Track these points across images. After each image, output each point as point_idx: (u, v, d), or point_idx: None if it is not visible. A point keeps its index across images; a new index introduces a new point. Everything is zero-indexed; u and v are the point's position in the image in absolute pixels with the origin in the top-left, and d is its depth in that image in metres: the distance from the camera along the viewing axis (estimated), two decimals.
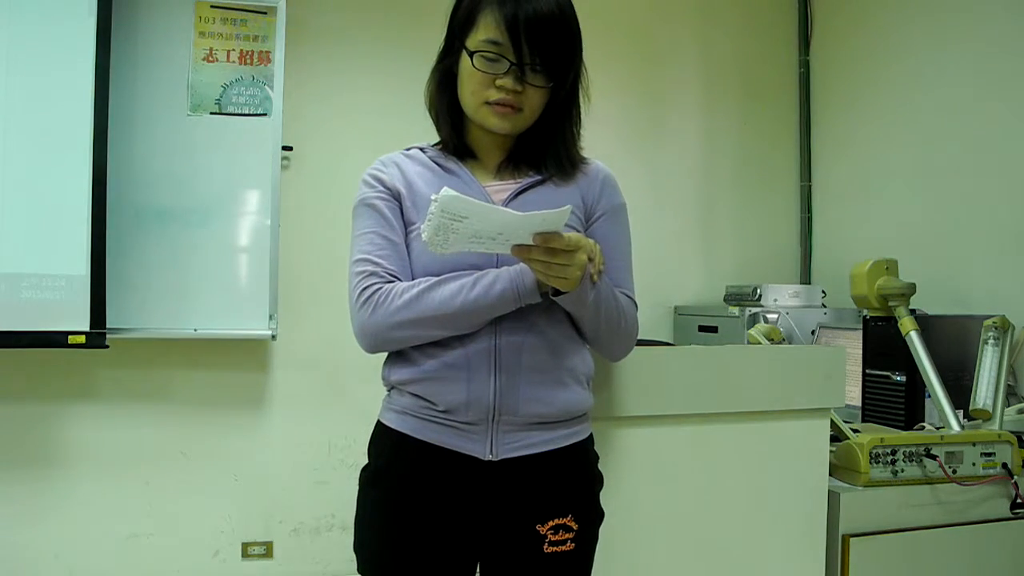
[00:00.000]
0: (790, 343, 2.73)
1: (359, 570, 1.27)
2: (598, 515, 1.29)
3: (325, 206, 2.83)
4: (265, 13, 2.71)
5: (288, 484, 2.85)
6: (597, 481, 1.31)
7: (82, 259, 2.40)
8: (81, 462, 2.67)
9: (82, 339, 2.39)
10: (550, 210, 1.06)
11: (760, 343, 2.09)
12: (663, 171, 3.37)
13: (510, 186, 1.27)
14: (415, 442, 1.21)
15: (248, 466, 2.83)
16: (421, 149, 1.33)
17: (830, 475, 1.72)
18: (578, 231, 1.25)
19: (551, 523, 1.21)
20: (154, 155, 2.62)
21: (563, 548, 1.22)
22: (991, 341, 2.06)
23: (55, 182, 2.40)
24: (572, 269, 1.10)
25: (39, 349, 2.49)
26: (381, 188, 1.27)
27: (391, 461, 1.24)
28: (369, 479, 1.27)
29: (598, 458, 1.32)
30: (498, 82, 1.20)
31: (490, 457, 1.19)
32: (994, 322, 2.07)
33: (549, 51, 1.19)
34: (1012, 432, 1.92)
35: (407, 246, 1.25)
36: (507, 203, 1.24)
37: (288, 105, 2.75)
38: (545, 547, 1.21)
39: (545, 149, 1.28)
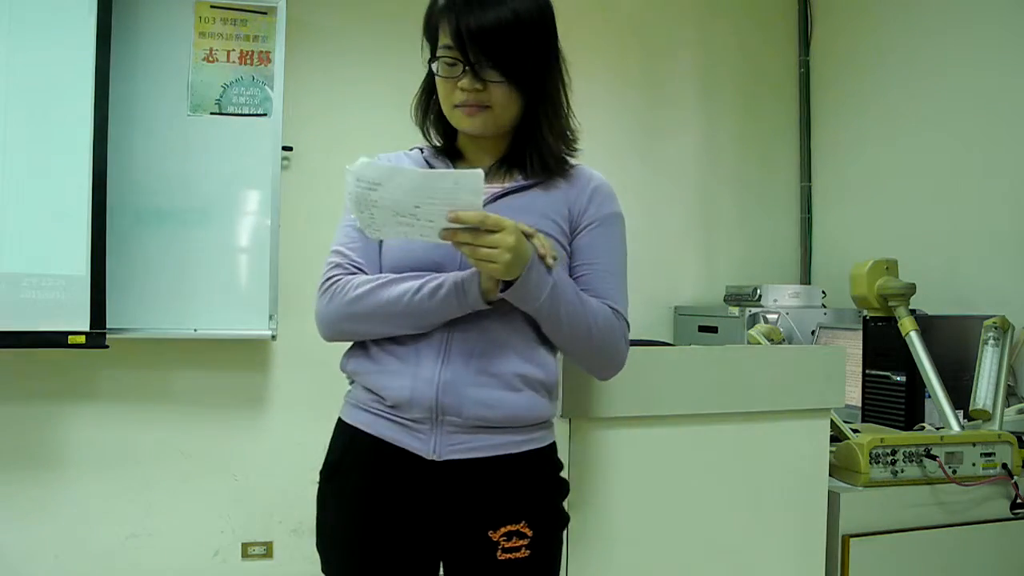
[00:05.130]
0: (790, 343, 2.73)
1: (323, 570, 1.27)
2: (559, 521, 1.27)
3: (325, 206, 2.82)
4: (265, 13, 2.71)
5: (288, 484, 2.84)
6: (558, 489, 1.28)
7: (82, 259, 2.40)
8: (81, 462, 2.67)
9: (82, 339, 2.39)
10: (461, 170, 1.06)
11: (760, 343, 2.09)
12: (663, 171, 3.37)
13: (493, 190, 1.26)
14: (366, 437, 1.22)
15: (248, 466, 2.83)
16: (421, 150, 1.35)
17: (830, 475, 1.72)
18: (559, 241, 1.23)
19: (503, 530, 1.19)
20: (154, 155, 2.62)
21: (518, 555, 1.20)
22: (991, 341, 2.06)
23: (55, 182, 2.40)
24: (500, 252, 1.07)
25: (39, 349, 2.49)
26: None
27: (344, 456, 1.26)
28: (325, 475, 1.28)
29: (562, 466, 1.30)
30: (459, 84, 1.21)
31: (433, 457, 1.18)
32: (994, 322, 2.07)
33: (495, 48, 1.18)
34: (1012, 432, 1.92)
35: (381, 242, 1.27)
36: (483, 206, 1.21)
37: (288, 105, 2.75)
38: (499, 554, 1.19)
39: (530, 153, 1.27)
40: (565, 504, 1.29)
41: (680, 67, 3.40)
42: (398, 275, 1.20)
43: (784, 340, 2.34)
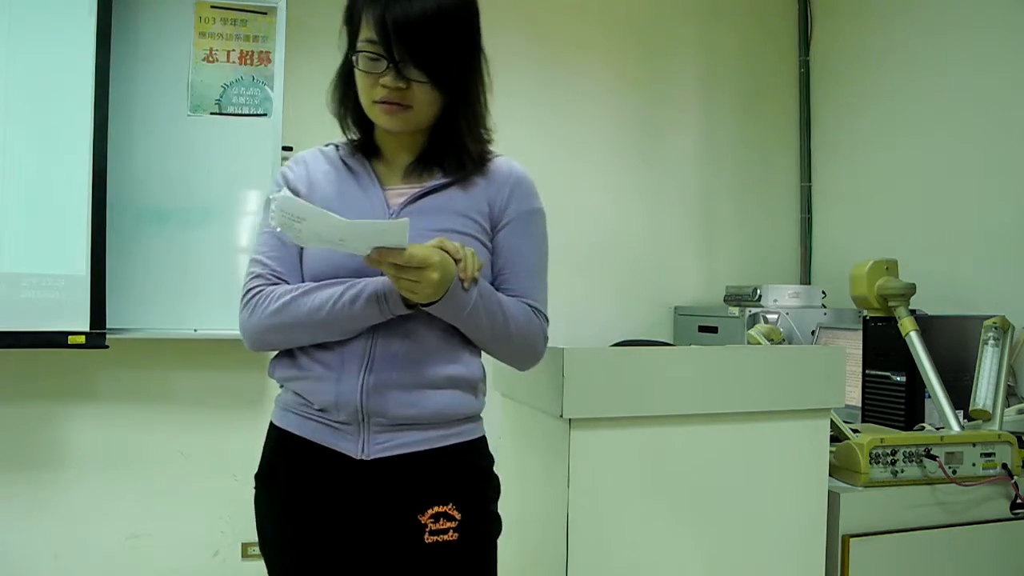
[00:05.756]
0: (790, 343, 2.73)
1: (269, 573, 1.28)
2: (489, 513, 1.27)
3: None
4: (265, 13, 2.71)
5: None
6: (488, 479, 1.29)
7: (82, 259, 2.40)
8: (81, 462, 2.67)
9: (82, 339, 2.39)
10: (387, 220, 1.06)
11: (760, 343, 2.09)
12: (663, 171, 3.37)
13: (412, 190, 1.26)
14: (295, 439, 1.24)
15: (248, 466, 2.79)
16: (337, 146, 1.35)
17: (830, 475, 1.72)
18: (479, 240, 1.24)
19: (431, 511, 1.20)
20: (154, 155, 2.62)
21: (445, 538, 1.20)
22: (991, 341, 2.06)
23: (55, 182, 2.39)
24: (421, 285, 1.09)
25: (39, 349, 2.49)
26: (285, 187, 1.28)
27: (275, 458, 1.28)
28: (259, 478, 1.30)
29: (493, 460, 1.30)
30: (380, 80, 1.19)
31: (362, 456, 1.19)
32: (994, 322, 2.07)
33: (421, 47, 1.17)
34: (1012, 432, 1.92)
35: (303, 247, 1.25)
36: (403, 207, 1.23)
37: (288, 105, 2.75)
38: (426, 537, 1.19)
39: (448, 150, 1.27)
40: (499, 505, 1.29)
41: (680, 67, 3.40)
42: (318, 284, 1.20)
43: (784, 340, 2.34)
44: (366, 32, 1.19)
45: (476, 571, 1.25)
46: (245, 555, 2.82)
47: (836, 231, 3.37)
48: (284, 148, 2.76)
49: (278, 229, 1.07)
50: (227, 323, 2.68)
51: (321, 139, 3.03)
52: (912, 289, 2.17)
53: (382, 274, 1.15)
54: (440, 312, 1.16)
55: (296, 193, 1.26)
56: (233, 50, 2.69)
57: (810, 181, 3.48)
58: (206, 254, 2.66)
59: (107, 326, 2.43)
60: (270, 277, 1.24)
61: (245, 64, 2.70)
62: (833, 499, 1.71)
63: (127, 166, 2.56)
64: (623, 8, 3.31)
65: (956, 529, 1.82)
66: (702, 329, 3.13)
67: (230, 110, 2.69)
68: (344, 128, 1.34)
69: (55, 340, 2.38)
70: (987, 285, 2.61)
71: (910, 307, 2.18)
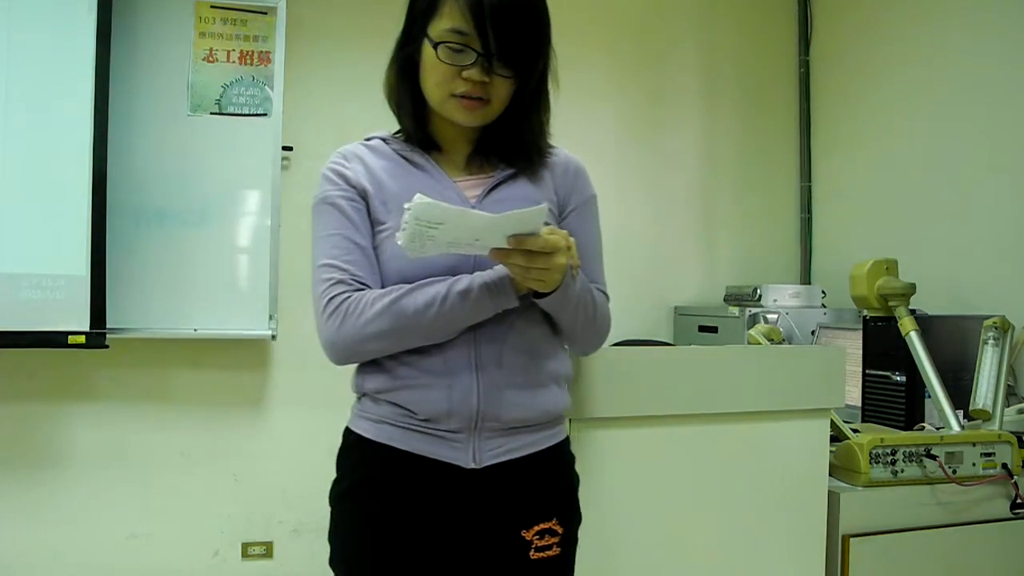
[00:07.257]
0: (790, 343, 2.73)
1: None
2: (579, 518, 1.28)
3: None
4: (265, 13, 2.71)
5: (288, 484, 2.85)
6: (576, 482, 1.29)
7: (82, 259, 2.40)
8: (81, 462, 2.67)
9: (82, 339, 2.39)
10: (526, 208, 1.01)
11: (760, 343, 2.09)
12: (663, 171, 3.37)
13: (483, 181, 1.23)
14: (395, 452, 1.17)
15: (248, 466, 2.83)
16: (383, 140, 1.27)
17: (830, 475, 1.72)
18: (551, 225, 1.22)
19: (536, 528, 1.18)
20: (154, 155, 2.62)
21: (549, 554, 1.19)
22: (991, 341, 2.06)
23: (55, 182, 2.40)
24: (551, 272, 1.07)
25: (39, 349, 2.49)
26: (345, 185, 1.20)
27: (369, 473, 1.19)
28: (345, 493, 1.21)
29: (575, 459, 1.31)
30: (464, 74, 1.13)
31: (473, 465, 1.15)
32: (994, 322, 2.07)
33: (517, 40, 1.12)
34: (1012, 432, 1.91)
35: (376, 248, 1.19)
36: (481, 199, 1.20)
37: (288, 105, 2.75)
38: (532, 554, 1.18)
39: (514, 141, 1.22)
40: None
41: (680, 67, 3.40)
42: (413, 285, 1.13)
43: (784, 340, 2.33)
44: (451, 21, 1.12)
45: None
46: (245, 555, 2.82)
47: (836, 231, 3.37)
48: (284, 148, 2.76)
49: (400, 243, 1.00)
50: (227, 323, 2.68)
51: (321, 139, 3.04)
52: (912, 289, 2.17)
53: (473, 268, 1.13)
54: (553, 302, 1.13)
55: (363, 192, 1.19)
56: (233, 50, 2.69)
57: (810, 181, 3.48)
58: (206, 254, 2.66)
59: (107, 326, 2.44)
60: (352, 283, 1.14)
61: (245, 64, 2.70)
62: (833, 499, 1.70)
63: (127, 166, 2.56)
64: (623, 7, 3.31)
65: (956, 529, 1.81)
66: (702, 329, 3.13)
67: (230, 110, 2.69)
68: (400, 119, 1.26)
69: (55, 340, 2.38)
70: (987, 285, 2.61)
71: (910, 307, 2.18)
